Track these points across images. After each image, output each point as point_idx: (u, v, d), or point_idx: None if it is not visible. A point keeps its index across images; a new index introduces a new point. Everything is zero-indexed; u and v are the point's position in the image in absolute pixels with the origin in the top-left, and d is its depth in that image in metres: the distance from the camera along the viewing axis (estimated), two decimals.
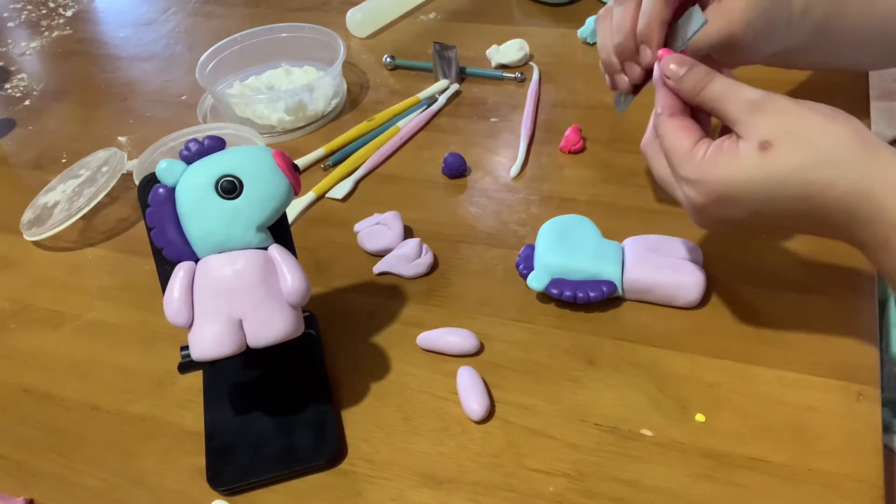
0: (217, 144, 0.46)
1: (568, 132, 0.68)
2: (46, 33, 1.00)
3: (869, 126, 0.66)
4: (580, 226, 0.56)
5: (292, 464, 0.47)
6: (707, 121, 0.47)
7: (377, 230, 0.61)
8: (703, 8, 0.52)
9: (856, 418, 0.46)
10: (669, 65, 0.45)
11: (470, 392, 0.49)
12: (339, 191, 0.68)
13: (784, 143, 0.40)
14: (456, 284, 0.58)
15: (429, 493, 0.45)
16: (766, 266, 0.56)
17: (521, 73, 0.79)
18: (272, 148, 0.47)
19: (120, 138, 0.78)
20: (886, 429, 0.69)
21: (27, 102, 0.86)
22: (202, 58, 0.78)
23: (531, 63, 0.81)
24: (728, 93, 0.43)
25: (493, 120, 0.75)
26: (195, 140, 0.45)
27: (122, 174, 0.69)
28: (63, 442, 0.51)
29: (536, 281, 0.54)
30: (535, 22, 0.89)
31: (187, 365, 0.46)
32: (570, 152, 0.69)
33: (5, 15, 1.05)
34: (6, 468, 0.50)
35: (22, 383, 0.55)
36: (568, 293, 0.53)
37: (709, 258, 0.55)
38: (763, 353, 0.50)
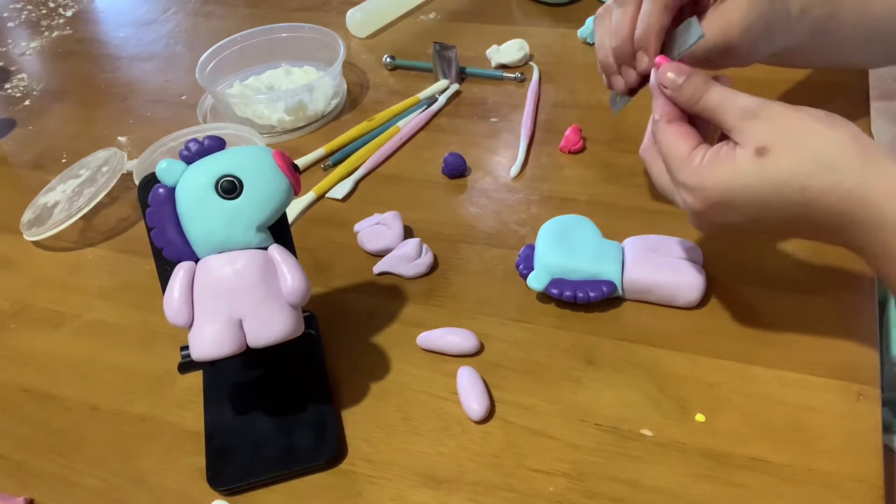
0: (217, 144, 0.46)
1: (568, 132, 0.68)
2: (46, 33, 1.00)
3: (869, 126, 0.66)
4: (580, 226, 0.56)
5: (292, 464, 0.47)
6: (706, 125, 0.47)
7: (377, 230, 0.61)
8: (702, 12, 0.52)
9: (856, 418, 0.46)
10: (667, 74, 0.45)
11: (470, 392, 0.49)
12: (339, 191, 0.68)
13: (780, 149, 0.40)
14: (456, 284, 0.58)
15: (429, 493, 0.45)
16: (766, 266, 0.56)
17: (521, 73, 0.79)
18: (272, 148, 0.47)
19: (120, 138, 0.78)
20: (886, 429, 0.68)
21: (27, 102, 0.86)
22: (202, 58, 0.78)
23: (531, 63, 0.81)
24: (724, 102, 0.43)
25: (493, 120, 0.75)
26: (195, 140, 0.45)
27: (122, 174, 0.69)
28: (63, 442, 0.51)
29: (536, 281, 0.54)
30: (535, 22, 0.89)
31: (187, 365, 0.46)
32: (570, 152, 0.69)
33: (5, 15, 1.05)
34: (6, 468, 0.50)
35: (22, 383, 0.55)
36: (568, 293, 0.53)
37: (709, 258, 0.55)
38: (763, 353, 0.50)
